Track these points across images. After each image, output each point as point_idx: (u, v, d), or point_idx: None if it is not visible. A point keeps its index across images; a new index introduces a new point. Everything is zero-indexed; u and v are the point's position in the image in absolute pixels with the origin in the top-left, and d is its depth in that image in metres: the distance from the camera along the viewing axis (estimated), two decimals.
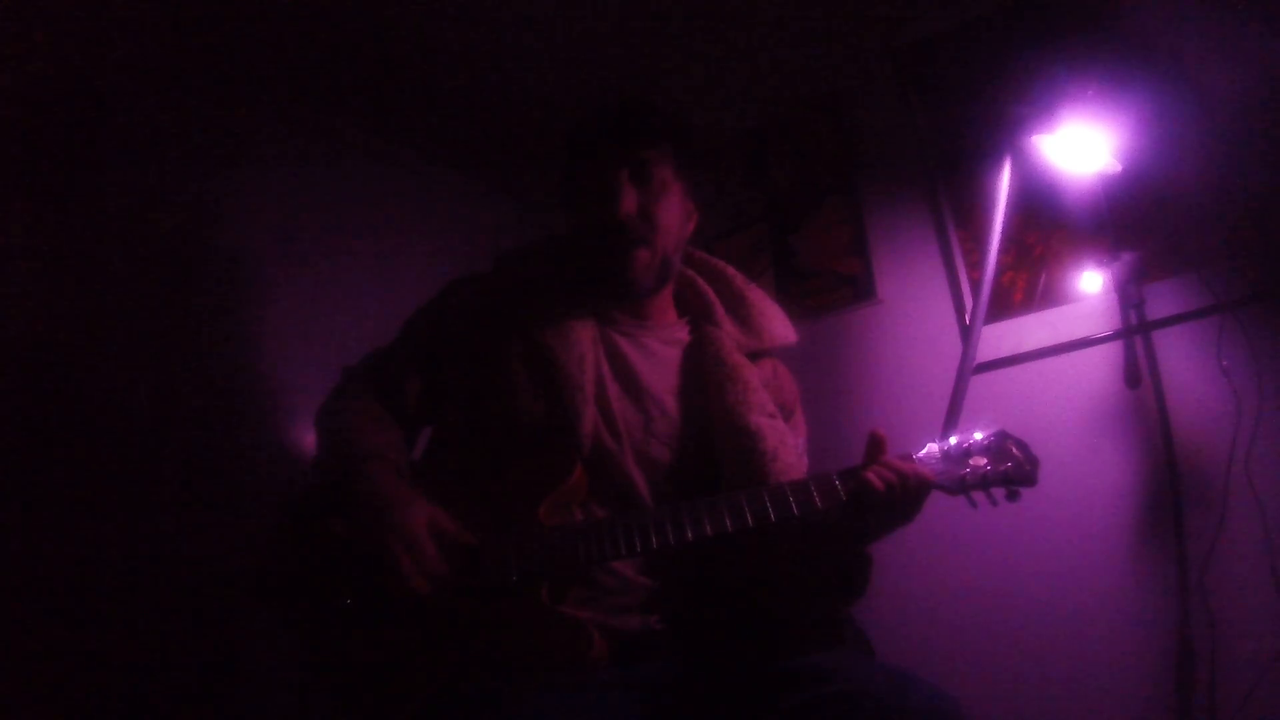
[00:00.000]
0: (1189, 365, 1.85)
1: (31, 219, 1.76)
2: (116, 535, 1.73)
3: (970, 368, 1.81)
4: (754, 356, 1.37)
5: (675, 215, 1.32)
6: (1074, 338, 1.99)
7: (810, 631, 1.23)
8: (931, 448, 1.19)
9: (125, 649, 1.68)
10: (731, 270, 1.45)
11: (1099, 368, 1.95)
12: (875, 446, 1.15)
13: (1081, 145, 1.76)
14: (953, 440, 1.19)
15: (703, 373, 1.31)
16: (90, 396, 1.77)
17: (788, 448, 1.26)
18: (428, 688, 1.07)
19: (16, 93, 1.77)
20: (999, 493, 1.17)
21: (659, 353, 1.34)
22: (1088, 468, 1.90)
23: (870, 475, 1.12)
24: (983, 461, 1.17)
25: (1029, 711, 1.85)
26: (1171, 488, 1.81)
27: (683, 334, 1.38)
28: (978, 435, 1.19)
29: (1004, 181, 1.85)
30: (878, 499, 1.11)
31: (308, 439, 2.02)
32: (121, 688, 1.66)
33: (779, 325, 1.41)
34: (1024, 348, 2.06)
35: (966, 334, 1.90)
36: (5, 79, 1.75)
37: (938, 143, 2.31)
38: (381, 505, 1.11)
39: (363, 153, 2.53)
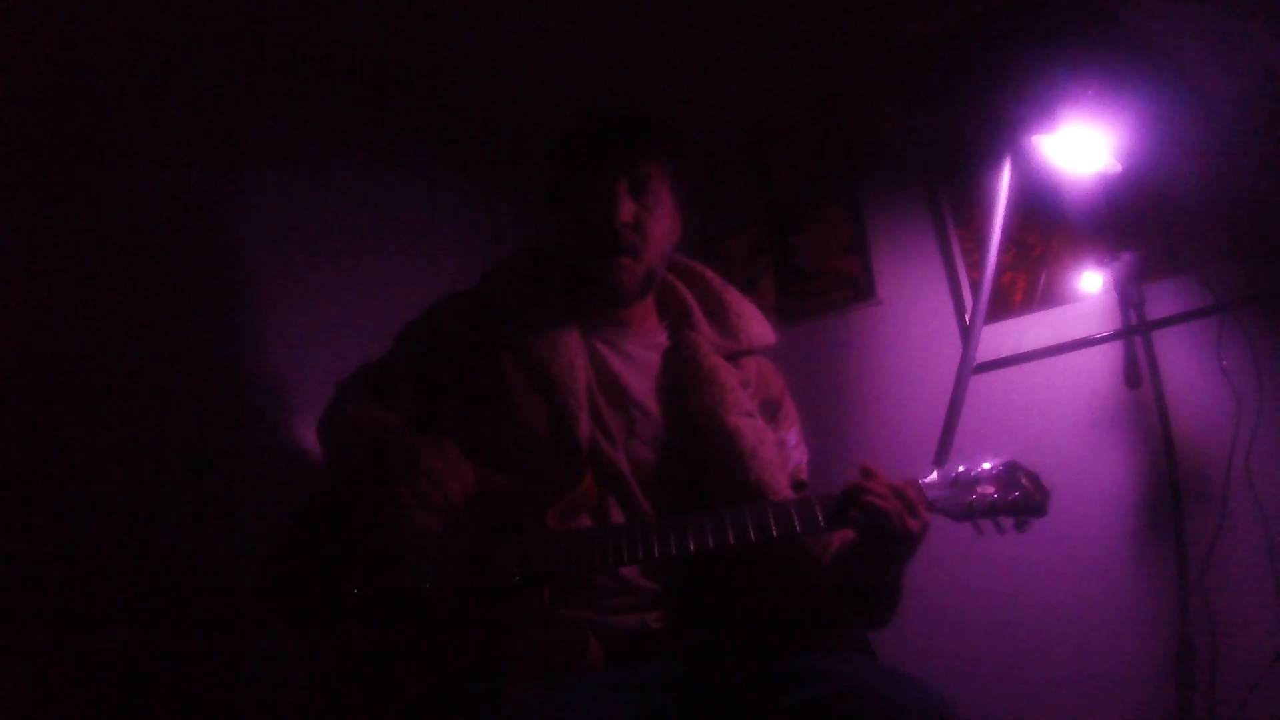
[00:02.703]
0: (1189, 365, 1.85)
1: (31, 219, 1.76)
2: (115, 534, 1.73)
3: (970, 368, 1.81)
4: (734, 357, 1.40)
5: (665, 229, 1.36)
6: (1074, 338, 1.99)
7: (810, 633, 1.23)
8: (938, 474, 1.21)
9: (126, 648, 1.67)
10: (710, 273, 1.50)
11: (1099, 368, 1.95)
12: (867, 473, 1.16)
13: (1081, 145, 1.75)
14: (960, 468, 1.21)
15: (682, 376, 1.34)
16: (90, 396, 1.77)
17: (766, 444, 1.29)
18: (423, 683, 1.08)
19: (16, 93, 1.77)
20: (1007, 522, 1.18)
21: (639, 357, 1.37)
22: (1087, 468, 1.90)
23: (867, 484, 1.13)
24: (990, 490, 1.18)
25: (1029, 711, 1.85)
26: (1171, 488, 1.81)
27: (662, 338, 1.41)
28: (986, 465, 1.21)
29: (1004, 181, 1.84)
30: (878, 511, 1.10)
31: (308, 437, 2.02)
32: (122, 687, 1.66)
33: (757, 326, 1.45)
34: (1024, 348, 2.06)
35: (966, 334, 1.90)
36: (5, 79, 1.75)
37: (937, 143, 2.31)
38: (412, 451, 1.15)
39: (363, 153, 2.53)
